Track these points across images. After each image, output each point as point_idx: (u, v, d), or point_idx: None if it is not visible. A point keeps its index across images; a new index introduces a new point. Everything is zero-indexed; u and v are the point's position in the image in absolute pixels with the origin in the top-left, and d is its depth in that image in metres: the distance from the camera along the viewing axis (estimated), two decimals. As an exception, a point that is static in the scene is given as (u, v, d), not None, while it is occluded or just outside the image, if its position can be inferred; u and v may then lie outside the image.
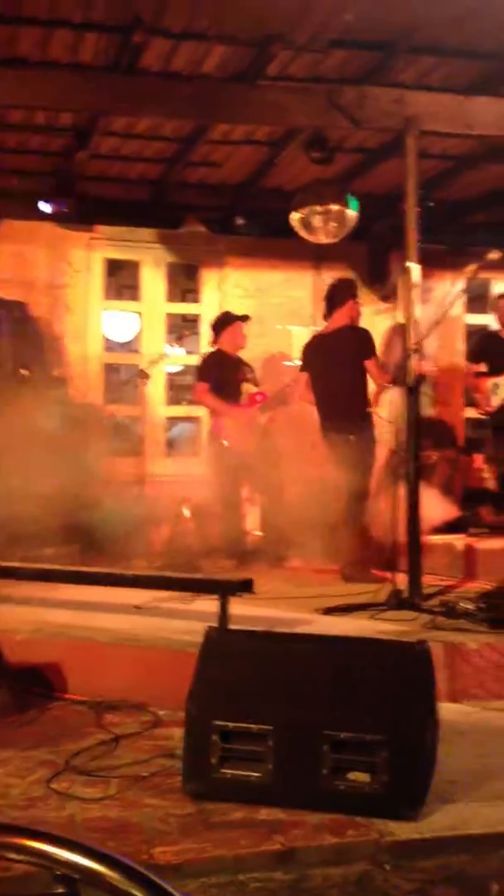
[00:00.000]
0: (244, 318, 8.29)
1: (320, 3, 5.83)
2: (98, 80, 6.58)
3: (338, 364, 7.31)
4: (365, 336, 7.42)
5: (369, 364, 7.21)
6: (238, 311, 8.99)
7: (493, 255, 6.06)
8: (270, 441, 7.94)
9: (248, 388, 8.12)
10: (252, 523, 8.24)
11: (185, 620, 5.34)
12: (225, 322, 8.26)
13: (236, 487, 8.05)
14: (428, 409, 9.84)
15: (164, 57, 6.46)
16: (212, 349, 8.31)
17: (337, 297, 7.57)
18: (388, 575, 5.95)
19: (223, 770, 3.37)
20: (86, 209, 9.31)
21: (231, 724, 3.40)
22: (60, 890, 1.15)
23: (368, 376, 7.35)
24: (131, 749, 3.96)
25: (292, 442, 7.82)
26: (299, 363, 7.99)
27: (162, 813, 3.25)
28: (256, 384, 8.18)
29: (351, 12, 5.89)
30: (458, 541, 7.49)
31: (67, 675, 4.87)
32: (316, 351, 7.58)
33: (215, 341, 8.26)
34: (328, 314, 7.59)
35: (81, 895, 1.15)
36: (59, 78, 6.52)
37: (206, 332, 9.83)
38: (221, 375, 8.07)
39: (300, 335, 9.31)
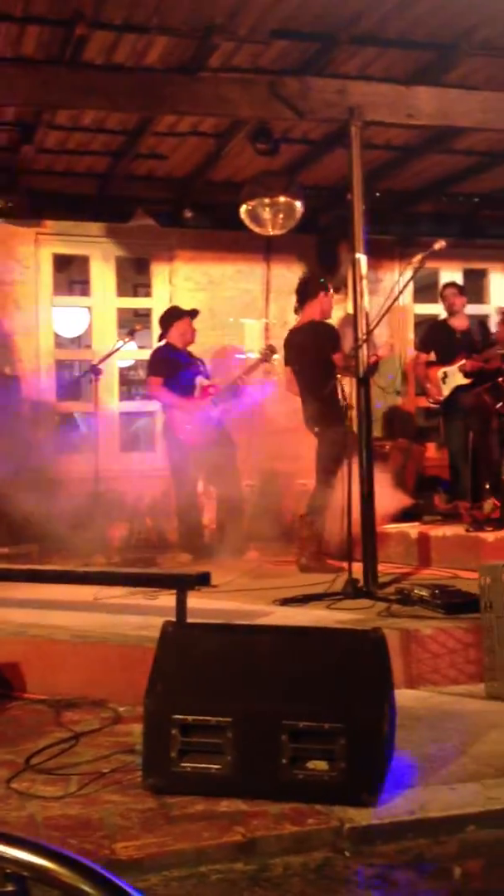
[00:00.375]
0: (193, 314, 8.28)
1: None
2: (41, 73, 6.54)
3: (307, 358, 7.37)
4: (331, 330, 7.47)
5: (336, 358, 7.26)
6: (190, 305, 8.98)
7: (439, 245, 6.11)
8: (224, 434, 7.95)
9: (200, 381, 8.12)
10: (208, 517, 8.24)
11: (144, 616, 5.34)
12: (173, 317, 8.24)
13: (192, 481, 8.06)
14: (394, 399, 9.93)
15: (107, 49, 6.44)
16: (161, 344, 8.29)
17: (308, 290, 7.60)
18: (344, 565, 5.98)
19: (183, 763, 3.38)
20: (33, 204, 9.25)
21: (190, 718, 3.40)
22: (10, 888, 1.15)
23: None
24: (91, 746, 3.95)
25: (246, 434, 7.84)
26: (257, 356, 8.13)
27: (123, 809, 3.25)
28: (208, 377, 8.18)
29: (291, 2, 5.90)
30: (412, 529, 7.56)
31: (26, 674, 4.85)
32: (290, 346, 7.64)
33: (164, 336, 8.24)
34: (299, 307, 7.63)
35: (32, 893, 1.15)
36: (2, 72, 6.46)
37: (158, 326, 9.83)
38: (173, 369, 8.06)
39: (252, 328, 9.33)
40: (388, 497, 7.40)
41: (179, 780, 3.36)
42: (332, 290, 7.76)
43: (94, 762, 3.73)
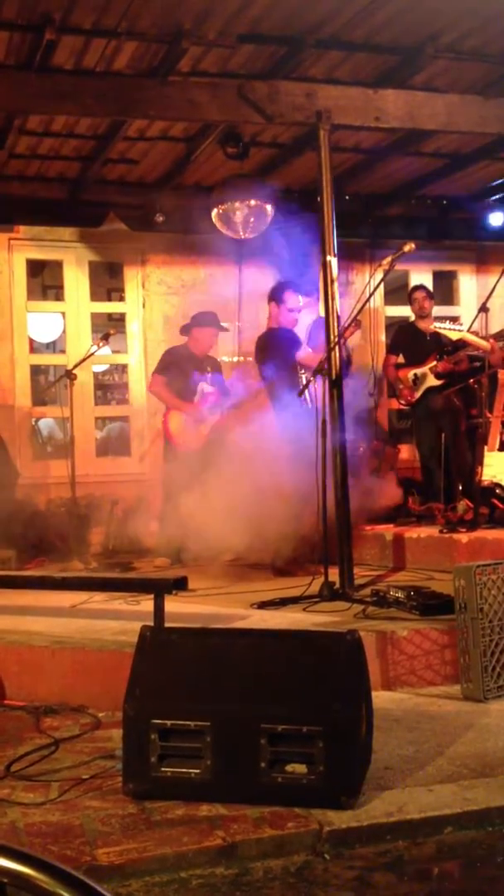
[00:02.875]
0: (221, 328, 8.53)
1: (227, -2, 5.88)
2: (12, 78, 6.53)
3: (277, 361, 7.45)
4: (287, 334, 7.53)
5: (302, 358, 7.31)
6: (162, 309, 9.06)
7: (409, 247, 6.16)
8: (218, 439, 7.98)
9: (202, 386, 8.21)
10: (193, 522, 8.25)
11: (122, 621, 5.36)
12: (198, 322, 8.44)
13: (181, 485, 8.09)
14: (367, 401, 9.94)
15: (76, 54, 6.44)
16: (179, 344, 8.52)
17: (275, 295, 7.66)
18: (320, 568, 6.01)
19: (163, 768, 3.40)
20: (5, 209, 9.22)
21: (169, 722, 3.42)
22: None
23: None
24: (71, 752, 3.97)
25: (238, 440, 7.86)
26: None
27: (103, 814, 3.26)
28: (216, 385, 8.27)
29: (257, 7, 5.93)
30: (387, 530, 7.60)
31: (5, 680, 4.85)
32: (257, 349, 7.73)
33: (184, 333, 8.49)
34: (271, 313, 7.70)
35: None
36: (-28, 78, 6.46)
37: (132, 330, 9.84)
38: (177, 371, 8.25)
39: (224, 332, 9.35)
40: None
41: (159, 784, 3.38)
42: (298, 298, 7.82)
43: (74, 768, 3.75)
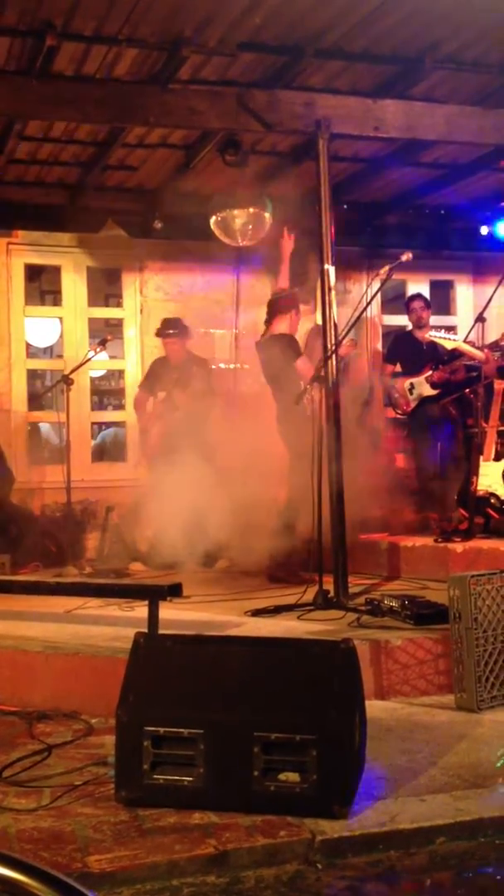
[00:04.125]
0: (166, 334, 8.65)
1: (228, 7, 5.88)
2: (12, 83, 6.53)
3: (271, 368, 7.46)
4: (291, 340, 7.53)
5: (299, 365, 7.31)
6: (160, 315, 9.09)
7: (406, 257, 6.17)
8: (167, 446, 8.05)
9: (159, 395, 8.34)
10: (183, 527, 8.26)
11: (116, 627, 5.35)
12: (161, 334, 8.67)
13: (162, 491, 8.10)
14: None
15: (77, 60, 6.44)
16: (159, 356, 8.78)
17: (280, 306, 7.67)
18: (315, 576, 6.00)
19: (155, 776, 3.39)
20: (4, 214, 9.23)
21: (162, 730, 3.42)
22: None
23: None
24: (64, 758, 3.96)
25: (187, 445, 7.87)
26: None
27: (95, 821, 3.26)
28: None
29: (258, 16, 5.95)
30: (382, 539, 7.59)
31: (-3, 686, 4.85)
32: (259, 356, 7.74)
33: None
34: (269, 320, 7.70)
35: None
36: (-27, 83, 6.47)
37: (129, 336, 9.86)
38: (157, 381, 8.51)
39: (222, 338, 9.37)
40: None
41: (152, 792, 3.38)
42: (300, 308, 7.85)
43: (66, 774, 3.74)
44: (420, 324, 9.04)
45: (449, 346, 7.79)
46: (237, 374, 9.32)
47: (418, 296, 9.33)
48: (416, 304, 9.08)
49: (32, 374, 10.47)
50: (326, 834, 3.11)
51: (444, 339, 7.83)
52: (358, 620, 5.39)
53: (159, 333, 8.65)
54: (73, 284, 9.75)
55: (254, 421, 7.64)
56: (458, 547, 6.85)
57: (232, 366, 9.45)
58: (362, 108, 6.83)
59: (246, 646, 3.86)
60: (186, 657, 3.68)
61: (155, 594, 4.79)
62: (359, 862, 3.04)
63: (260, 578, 7.19)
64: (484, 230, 9.72)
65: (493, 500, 7.21)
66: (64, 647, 5.01)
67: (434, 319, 9.56)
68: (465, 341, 7.84)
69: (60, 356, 9.99)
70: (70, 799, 3.48)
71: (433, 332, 8.00)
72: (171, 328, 8.59)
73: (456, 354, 8.02)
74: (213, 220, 8.44)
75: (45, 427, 10.92)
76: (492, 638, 4.60)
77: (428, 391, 8.60)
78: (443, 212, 10.07)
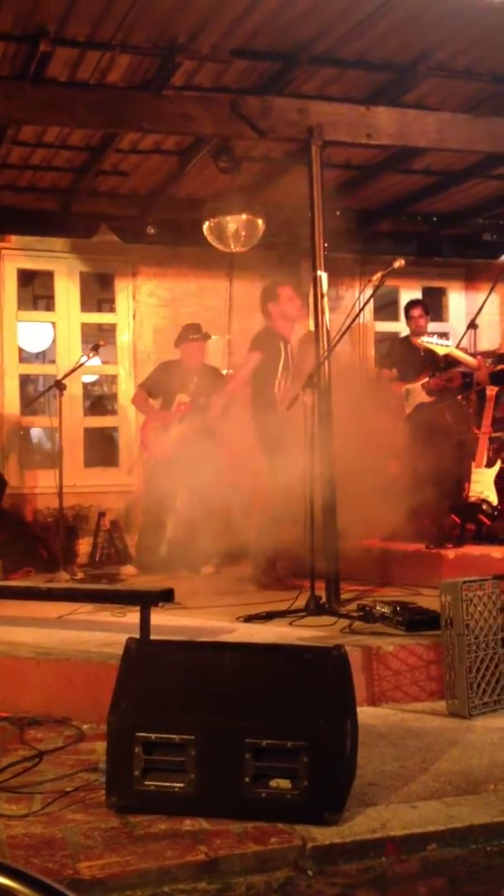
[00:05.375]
0: (204, 337, 8.64)
1: (221, 14, 5.90)
2: (5, 88, 6.54)
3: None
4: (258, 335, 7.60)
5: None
6: (153, 321, 9.09)
7: (398, 263, 6.18)
8: (186, 449, 8.00)
9: (180, 397, 8.29)
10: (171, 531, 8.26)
11: (108, 632, 5.35)
12: (180, 338, 8.61)
13: (157, 495, 8.10)
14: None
15: (71, 66, 6.46)
16: (177, 358, 8.68)
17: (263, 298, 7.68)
18: (305, 582, 6.00)
19: (146, 782, 3.39)
20: (-3, 219, 9.25)
21: (153, 736, 3.41)
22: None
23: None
24: (55, 764, 3.95)
25: (208, 450, 7.86)
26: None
27: (86, 828, 3.25)
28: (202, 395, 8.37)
29: (251, 23, 5.97)
30: (374, 545, 7.60)
31: (-12, 691, 4.83)
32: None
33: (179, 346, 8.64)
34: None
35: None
36: (-34, 88, 6.47)
37: (122, 341, 9.86)
38: (167, 384, 8.46)
39: (215, 344, 9.37)
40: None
41: (143, 798, 3.37)
42: (286, 293, 7.77)
43: (57, 780, 3.73)
44: (419, 332, 8.99)
45: (441, 351, 7.80)
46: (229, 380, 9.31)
47: (418, 302, 9.20)
48: (416, 312, 9.02)
49: (25, 379, 10.48)
50: (317, 841, 3.10)
51: (437, 345, 7.84)
52: (350, 626, 5.39)
53: (180, 339, 8.58)
54: (66, 289, 9.76)
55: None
56: (450, 553, 6.86)
57: (224, 371, 9.47)
58: (355, 115, 6.85)
59: (238, 652, 3.85)
60: (178, 663, 3.68)
61: (147, 600, 4.80)
62: (350, 869, 3.04)
63: (251, 585, 7.19)
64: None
65: (484, 507, 7.22)
66: (55, 653, 5.00)
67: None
68: (457, 348, 7.85)
69: (53, 361, 9.99)
70: (61, 805, 3.47)
71: (425, 338, 8.00)
72: (194, 333, 8.56)
73: (450, 361, 8.03)
74: (206, 225, 8.46)
75: (37, 432, 10.91)
76: (483, 644, 4.60)
77: (424, 398, 8.59)
78: (435, 218, 10.10)
